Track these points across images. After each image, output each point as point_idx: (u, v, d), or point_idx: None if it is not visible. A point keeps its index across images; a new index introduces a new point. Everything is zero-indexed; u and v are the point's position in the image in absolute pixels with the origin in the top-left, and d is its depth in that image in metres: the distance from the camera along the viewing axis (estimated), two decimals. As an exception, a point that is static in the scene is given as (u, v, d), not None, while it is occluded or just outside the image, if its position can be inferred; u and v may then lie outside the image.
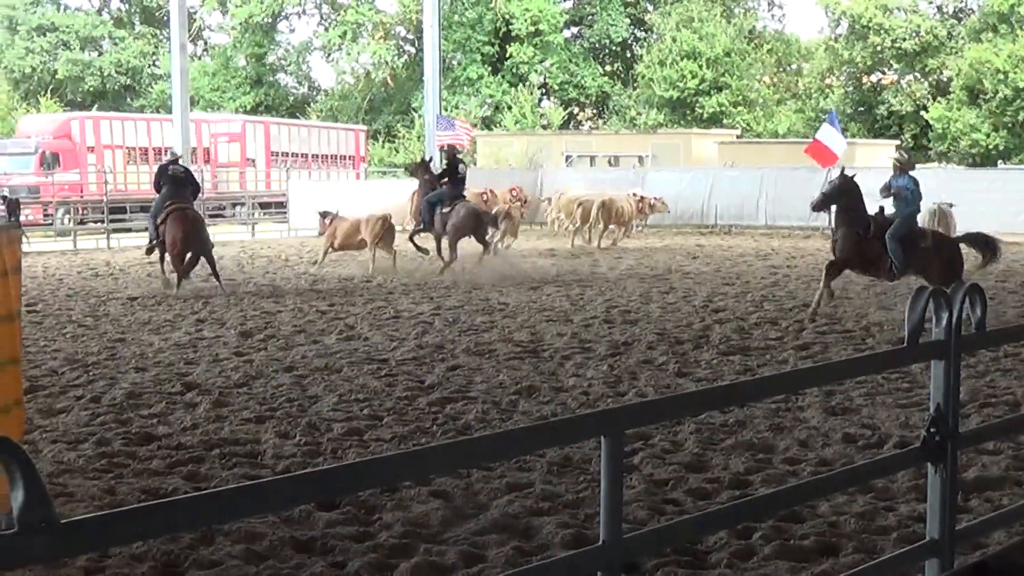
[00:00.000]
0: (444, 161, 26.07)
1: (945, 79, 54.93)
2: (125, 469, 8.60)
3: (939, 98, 53.74)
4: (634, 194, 31.63)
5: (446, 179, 24.16)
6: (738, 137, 53.65)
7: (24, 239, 19.53)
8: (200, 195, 23.89)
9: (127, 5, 70.00)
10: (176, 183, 20.47)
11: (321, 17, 69.44)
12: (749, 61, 59.90)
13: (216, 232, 34.52)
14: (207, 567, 6.59)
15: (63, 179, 40.38)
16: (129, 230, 34.96)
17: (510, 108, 59.19)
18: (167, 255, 20.10)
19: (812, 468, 8.52)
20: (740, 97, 58.27)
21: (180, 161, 21.65)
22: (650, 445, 9.17)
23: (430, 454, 4.16)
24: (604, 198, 30.25)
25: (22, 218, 21.45)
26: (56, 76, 64.31)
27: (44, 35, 65.18)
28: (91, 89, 65.13)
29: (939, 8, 57.07)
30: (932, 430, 5.03)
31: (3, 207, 19.06)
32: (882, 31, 54.64)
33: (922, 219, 26.06)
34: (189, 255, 20.00)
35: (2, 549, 2.48)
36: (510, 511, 7.56)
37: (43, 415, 10.37)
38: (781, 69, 64.61)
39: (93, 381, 12.00)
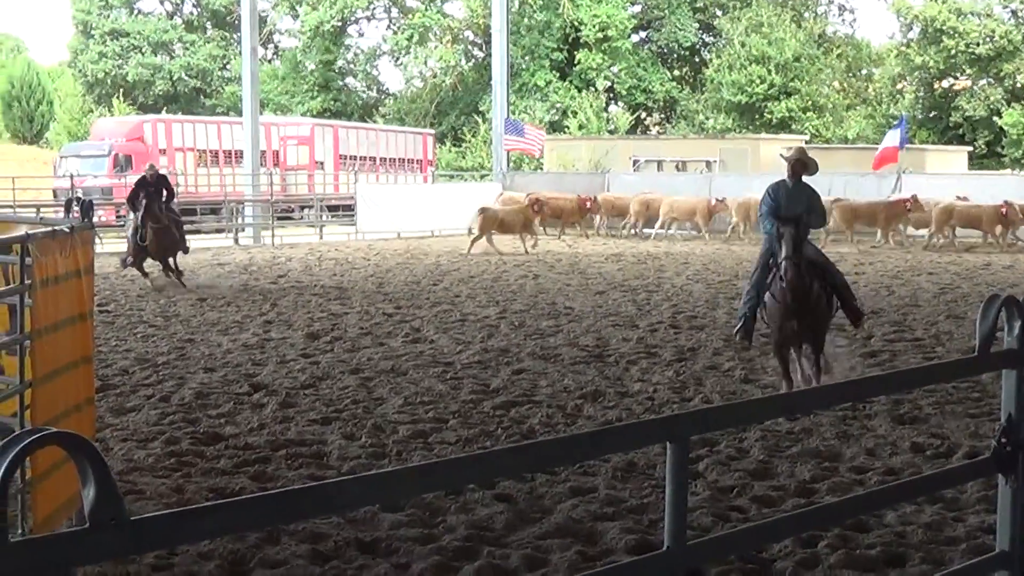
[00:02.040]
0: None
1: (1020, 84, 54.12)
2: (193, 468, 8.70)
3: (1014, 104, 52.96)
4: (1006, 202, 30.67)
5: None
6: (807, 143, 53.21)
7: (97, 240, 19.81)
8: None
9: (198, 9, 70.84)
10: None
11: (390, 21, 69.86)
12: (819, 66, 59.42)
13: (284, 234, 34.84)
14: (272, 566, 6.64)
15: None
16: (199, 231, 35.33)
17: (575, 114, 59.14)
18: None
19: (879, 477, 8.43)
20: (809, 102, 57.81)
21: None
22: (715, 452, 9.12)
23: (495, 457, 4.16)
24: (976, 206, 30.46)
25: (95, 219, 21.80)
26: (127, 80, 65.21)
27: (116, 39, 66.13)
28: (161, 92, 65.96)
29: (1014, 12, 56.23)
30: (1003, 440, 4.96)
31: (77, 208, 19.37)
32: (955, 35, 53.95)
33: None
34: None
35: (74, 545, 2.52)
36: (574, 515, 7.55)
37: (114, 414, 10.51)
38: (851, 74, 64.01)
39: (163, 381, 12.15)
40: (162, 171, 41.44)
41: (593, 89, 60.78)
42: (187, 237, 23.06)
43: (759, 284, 11.51)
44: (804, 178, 11.52)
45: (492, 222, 29.53)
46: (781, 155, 11.72)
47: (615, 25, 60.69)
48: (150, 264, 21.40)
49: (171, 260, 21.17)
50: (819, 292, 11.21)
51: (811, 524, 6.09)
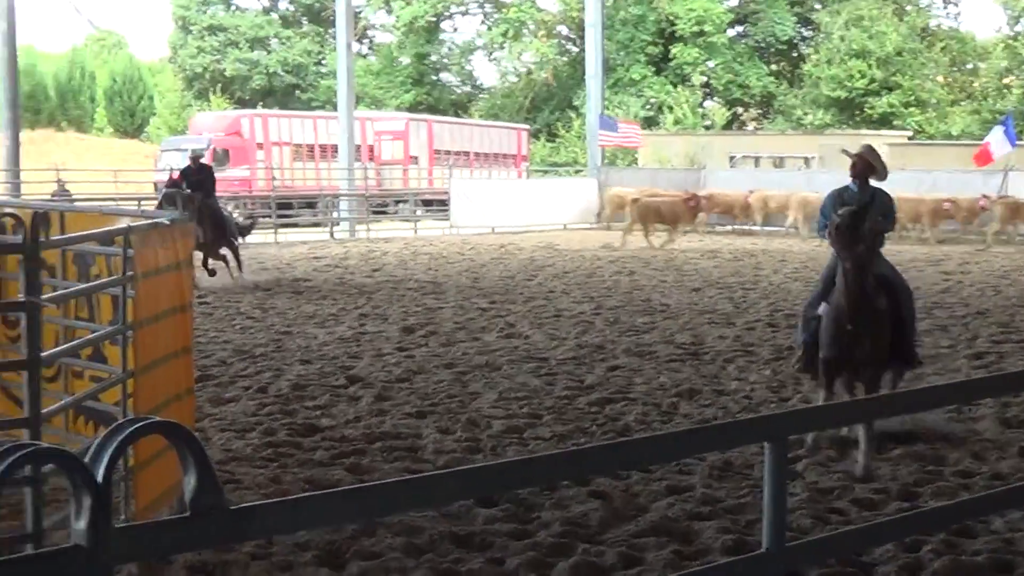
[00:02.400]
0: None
1: None
2: (290, 459, 8.76)
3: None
4: None
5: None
6: (909, 139, 52.28)
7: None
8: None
9: (294, 5, 71.62)
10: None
11: (484, 16, 70.06)
12: (922, 60, 58.37)
13: (379, 229, 35.07)
14: (368, 558, 6.65)
15: (233, 175, 41.46)
16: (296, 225, 35.72)
17: (671, 109, 58.77)
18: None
19: (986, 482, 8.21)
20: (912, 97, 56.80)
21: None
22: (814, 452, 8.96)
23: (590, 454, 4.11)
24: None
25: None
26: (225, 75, 66.13)
27: (214, 35, 67.13)
28: (258, 87, 66.79)
29: None
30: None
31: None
32: (1065, 29, 52.60)
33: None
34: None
35: (176, 531, 2.52)
36: (670, 514, 7.46)
37: (213, 404, 10.63)
38: (956, 68, 62.78)
39: (260, 372, 12.26)
40: (258, 166, 42.33)
41: (689, 84, 60.37)
42: (283, 231, 23.14)
43: (817, 305, 9.45)
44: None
45: (650, 213, 29.04)
46: (844, 151, 10.26)
47: (711, 19, 60.24)
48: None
49: (216, 255, 20.48)
50: (885, 310, 9.10)
51: (914, 528, 5.95)
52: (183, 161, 40.42)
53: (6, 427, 7.33)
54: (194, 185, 20.41)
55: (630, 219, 29.10)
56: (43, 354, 5.87)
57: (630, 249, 27.89)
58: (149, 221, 7.22)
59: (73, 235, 7.54)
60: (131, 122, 65.18)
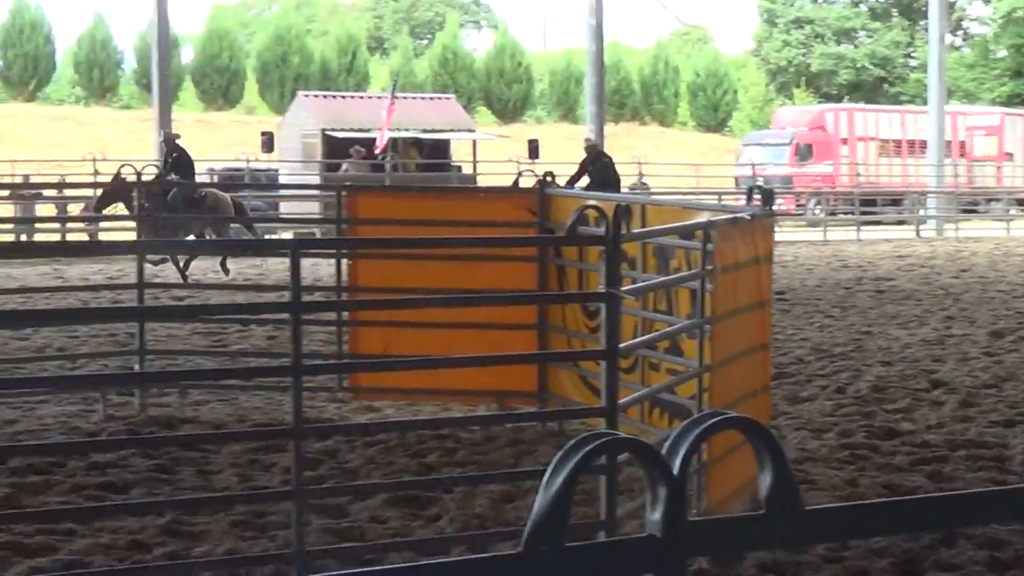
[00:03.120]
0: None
1: None
2: (867, 462, 8.56)
3: None
4: None
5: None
6: None
7: (777, 228, 20.16)
8: None
9: (884, -3, 70.05)
10: None
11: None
12: None
13: (968, 228, 33.56)
14: (947, 569, 6.37)
15: (815, 170, 41.23)
16: (879, 223, 34.95)
17: None
18: None
19: None
20: None
21: None
22: None
23: None
24: None
25: (775, 207, 22.09)
26: (810, 69, 65.82)
27: (800, 28, 67.01)
28: (844, 81, 65.92)
29: None
30: None
31: (758, 196, 19.78)
32: None
33: None
34: None
35: (750, 529, 2.51)
36: None
37: (788, 402, 10.60)
38: None
39: (838, 372, 12.08)
40: (842, 161, 41.83)
41: None
42: (866, 228, 22.77)
43: None
44: None
45: None
46: None
47: None
48: None
49: None
50: None
51: None
52: (764, 156, 41.09)
53: (584, 416, 7.72)
54: (594, 175, 20.65)
55: None
56: (621, 345, 6.07)
57: None
58: (729, 216, 7.31)
59: (653, 228, 7.81)
60: (714, 116, 66.21)
